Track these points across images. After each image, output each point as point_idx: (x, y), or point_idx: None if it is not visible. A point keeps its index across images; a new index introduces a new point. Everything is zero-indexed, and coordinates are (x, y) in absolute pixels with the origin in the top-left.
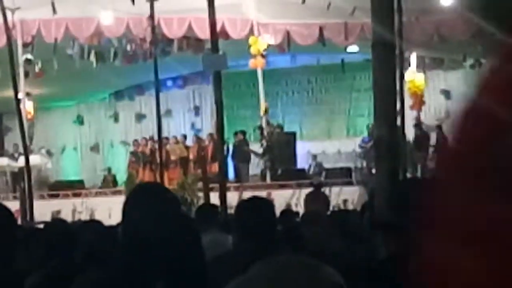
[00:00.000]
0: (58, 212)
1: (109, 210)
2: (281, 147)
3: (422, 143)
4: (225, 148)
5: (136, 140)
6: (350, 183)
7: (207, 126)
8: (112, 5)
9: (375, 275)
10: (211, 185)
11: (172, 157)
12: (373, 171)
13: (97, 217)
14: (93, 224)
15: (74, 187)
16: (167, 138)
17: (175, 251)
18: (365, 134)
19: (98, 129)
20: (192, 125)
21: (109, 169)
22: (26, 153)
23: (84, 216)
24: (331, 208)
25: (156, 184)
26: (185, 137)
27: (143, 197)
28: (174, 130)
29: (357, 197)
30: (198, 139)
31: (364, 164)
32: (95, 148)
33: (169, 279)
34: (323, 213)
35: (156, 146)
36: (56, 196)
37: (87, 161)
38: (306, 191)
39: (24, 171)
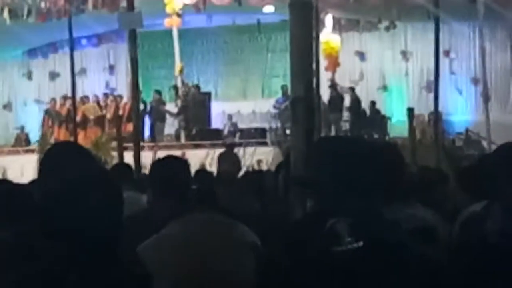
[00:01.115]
0: None
1: (22, 168)
2: (196, 107)
3: (336, 104)
4: (143, 107)
5: (53, 99)
6: (264, 144)
7: (122, 85)
8: None
9: (290, 234)
10: (125, 145)
11: (91, 116)
12: (288, 131)
13: (9, 176)
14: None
15: None
16: (86, 97)
17: (91, 209)
18: (280, 95)
19: (11, 87)
20: (107, 84)
21: (22, 128)
22: None
23: None
24: (245, 169)
25: (71, 142)
26: (98, 96)
27: (58, 155)
28: (88, 89)
29: (272, 157)
30: (115, 98)
31: (279, 124)
32: (7, 107)
33: (83, 238)
34: (235, 173)
35: None
36: None
37: None
38: (221, 151)
39: None
